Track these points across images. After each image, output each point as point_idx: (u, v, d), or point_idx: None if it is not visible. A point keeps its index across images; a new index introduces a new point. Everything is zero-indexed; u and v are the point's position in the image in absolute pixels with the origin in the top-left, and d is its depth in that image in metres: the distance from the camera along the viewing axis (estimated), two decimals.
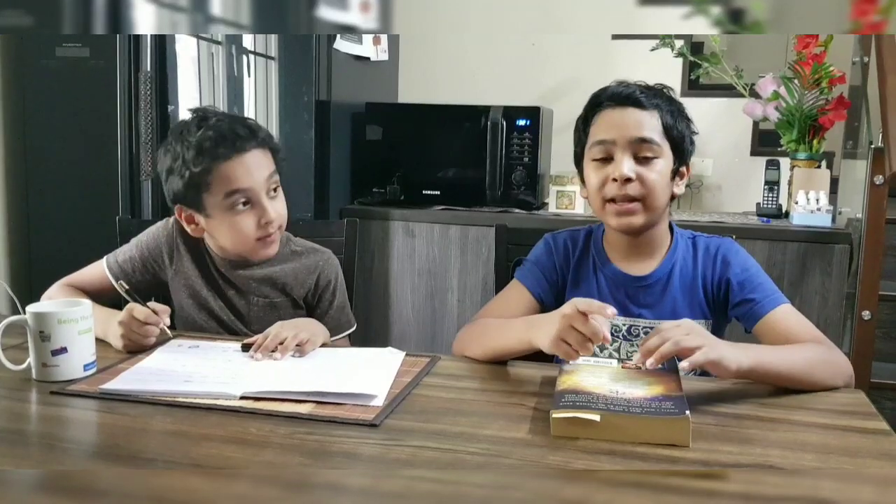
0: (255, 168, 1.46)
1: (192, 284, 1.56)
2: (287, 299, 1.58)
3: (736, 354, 1.11)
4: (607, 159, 1.35)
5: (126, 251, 1.58)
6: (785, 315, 1.31)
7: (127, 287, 1.42)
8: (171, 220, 1.58)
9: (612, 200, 1.34)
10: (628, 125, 1.34)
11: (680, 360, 1.35)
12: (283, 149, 1.61)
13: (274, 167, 1.51)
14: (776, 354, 1.19)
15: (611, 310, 1.12)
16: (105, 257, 1.59)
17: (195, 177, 1.43)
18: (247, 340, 1.34)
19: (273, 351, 1.30)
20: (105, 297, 1.53)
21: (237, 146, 1.44)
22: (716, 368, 1.09)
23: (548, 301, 1.47)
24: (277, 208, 1.49)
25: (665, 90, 1.40)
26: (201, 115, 1.49)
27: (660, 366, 1.18)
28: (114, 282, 1.53)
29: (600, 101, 1.38)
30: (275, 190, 1.50)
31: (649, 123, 1.34)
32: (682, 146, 1.37)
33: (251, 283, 1.56)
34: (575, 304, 1.14)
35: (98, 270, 1.57)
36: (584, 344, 1.12)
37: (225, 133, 1.44)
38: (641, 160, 1.33)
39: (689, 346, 1.08)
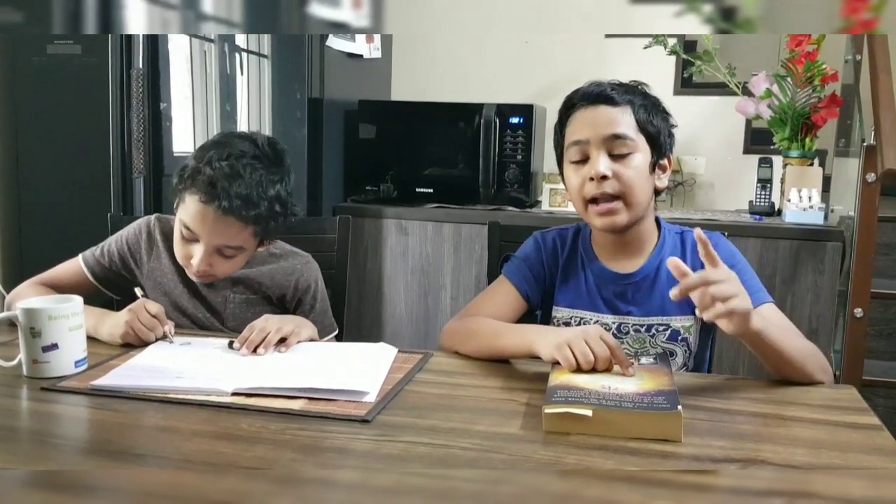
0: (216, 231, 1.40)
1: (167, 282, 1.55)
2: (263, 298, 1.58)
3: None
4: (584, 160, 1.35)
5: (104, 245, 1.58)
6: (767, 314, 1.29)
7: (143, 294, 1.41)
8: (154, 217, 1.59)
9: (594, 201, 1.34)
10: (600, 123, 1.34)
11: (673, 356, 1.36)
12: (291, 208, 1.50)
13: (244, 242, 1.44)
14: (778, 331, 1.18)
15: (630, 370, 1.13)
16: (81, 254, 1.58)
17: (179, 183, 1.43)
18: (234, 341, 1.33)
19: (257, 346, 1.30)
20: (79, 294, 1.49)
21: (220, 204, 1.36)
22: (742, 319, 1.08)
23: (534, 299, 1.47)
24: (217, 264, 1.44)
25: (639, 86, 1.40)
26: (244, 146, 1.42)
27: (652, 361, 1.18)
28: (89, 275, 1.54)
29: (573, 103, 1.39)
30: (227, 255, 1.44)
31: (622, 119, 1.34)
32: (658, 140, 1.37)
33: (227, 280, 1.55)
34: (600, 331, 1.16)
35: (73, 267, 1.57)
36: (586, 357, 1.12)
37: (220, 185, 1.36)
38: (617, 157, 1.33)
39: (727, 294, 1.06)
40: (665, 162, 1.40)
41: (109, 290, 1.57)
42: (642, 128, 1.35)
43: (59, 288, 1.51)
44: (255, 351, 1.30)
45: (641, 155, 1.35)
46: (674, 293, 1.09)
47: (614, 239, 1.40)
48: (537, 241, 1.50)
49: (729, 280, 1.09)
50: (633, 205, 1.34)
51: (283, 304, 1.60)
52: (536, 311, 1.49)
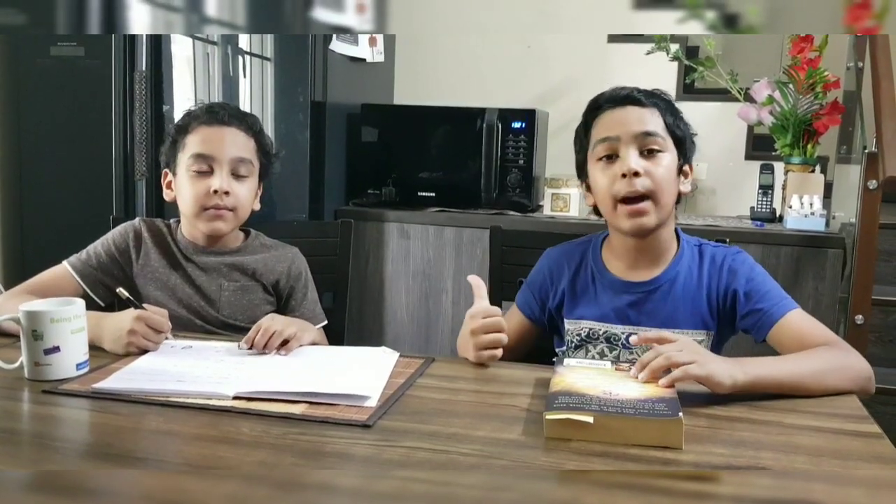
0: (227, 143, 1.53)
1: (160, 276, 1.58)
2: (257, 284, 1.61)
3: (730, 370, 1.10)
4: (612, 157, 1.34)
5: (91, 249, 1.59)
6: (796, 321, 1.30)
7: (128, 295, 1.38)
8: (138, 220, 1.63)
9: (624, 201, 1.32)
10: (631, 121, 1.33)
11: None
12: (279, 149, 1.65)
13: (252, 156, 1.57)
14: (781, 366, 1.17)
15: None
16: (66, 260, 1.58)
17: (176, 133, 1.57)
18: (241, 342, 1.34)
19: (265, 346, 1.32)
20: None
21: (220, 117, 1.55)
22: (708, 384, 1.09)
23: (539, 321, 1.50)
24: (234, 188, 1.54)
25: (661, 94, 1.40)
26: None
27: None
28: (77, 277, 1.54)
29: (599, 105, 1.38)
30: (241, 174, 1.55)
31: (651, 119, 1.34)
32: (684, 143, 1.38)
33: (222, 268, 1.60)
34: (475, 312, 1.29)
35: (59, 272, 1.56)
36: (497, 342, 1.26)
37: (216, 107, 1.57)
38: (647, 154, 1.33)
39: (679, 362, 1.08)
40: (687, 167, 1.40)
41: (96, 293, 1.55)
42: (670, 130, 1.35)
43: (45, 294, 1.47)
44: (263, 348, 1.32)
45: (670, 155, 1.35)
46: (633, 373, 1.13)
47: (635, 245, 1.39)
48: (543, 260, 1.52)
49: (684, 349, 1.11)
50: (661, 205, 1.33)
51: (277, 290, 1.64)
52: (550, 328, 1.51)
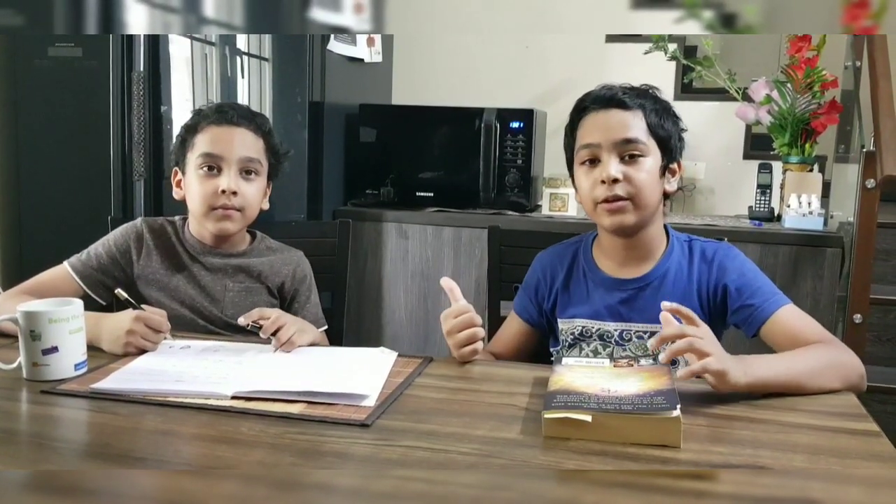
0: (236, 143, 1.55)
1: (161, 278, 1.58)
2: (262, 286, 1.62)
3: (743, 369, 1.10)
4: (595, 161, 1.36)
5: (91, 249, 1.59)
6: (788, 317, 1.30)
7: (126, 296, 1.39)
8: (140, 220, 1.63)
9: (604, 200, 1.34)
10: (612, 127, 1.34)
11: (675, 364, 1.37)
12: (288, 149, 1.69)
13: (261, 156, 1.59)
14: (779, 366, 1.17)
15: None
16: (66, 261, 1.58)
17: (185, 132, 1.58)
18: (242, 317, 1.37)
19: (275, 333, 1.34)
20: None
21: (229, 117, 1.56)
22: (719, 379, 1.09)
23: (538, 324, 1.50)
24: (243, 188, 1.54)
25: (651, 90, 1.40)
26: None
27: (651, 362, 1.19)
28: (77, 278, 1.54)
29: (584, 106, 1.40)
30: (250, 174, 1.56)
31: (633, 123, 1.35)
32: (668, 144, 1.38)
33: (227, 269, 1.60)
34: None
35: (59, 273, 1.56)
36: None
37: (226, 107, 1.59)
38: (628, 160, 1.34)
39: (701, 349, 1.07)
40: (675, 166, 1.41)
41: (97, 294, 1.55)
42: (653, 132, 1.36)
43: (45, 294, 1.46)
44: (274, 334, 1.34)
45: (652, 158, 1.35)
46: (651, 343, 1.11)
47: (623, 243, 1.40)
48: (535, 263, 1.53)
49: (706, 337, 1.10)
50: (642, 206, 1.34)
51: (282, 293, 1.65)
52: (547, 328, 1.51)
